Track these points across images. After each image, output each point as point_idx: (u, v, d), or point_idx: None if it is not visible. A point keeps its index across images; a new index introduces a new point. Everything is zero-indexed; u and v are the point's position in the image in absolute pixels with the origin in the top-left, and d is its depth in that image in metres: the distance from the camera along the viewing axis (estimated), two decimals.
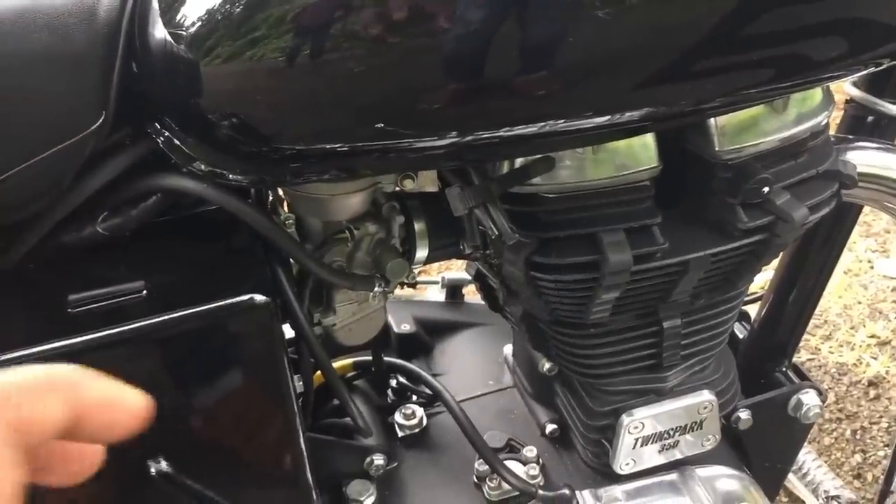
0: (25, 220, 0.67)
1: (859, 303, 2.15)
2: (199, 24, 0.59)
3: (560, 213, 0.73)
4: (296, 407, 0.72)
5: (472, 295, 1.26)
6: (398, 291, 1.01)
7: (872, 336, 2.05)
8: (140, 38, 0.64)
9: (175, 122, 0.65)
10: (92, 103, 0.64)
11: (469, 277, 1.24)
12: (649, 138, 0.72)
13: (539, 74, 0.58)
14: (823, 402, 1.05)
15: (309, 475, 0.77)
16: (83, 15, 0.62)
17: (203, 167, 0.66)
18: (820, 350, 2.02)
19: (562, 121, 0.61)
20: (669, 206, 0.75)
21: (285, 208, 0.81)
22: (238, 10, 0.57)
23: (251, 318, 0.67)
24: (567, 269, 0.73)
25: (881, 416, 1.86)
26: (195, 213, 0.75)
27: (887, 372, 1.96)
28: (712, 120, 0.72)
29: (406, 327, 1.13)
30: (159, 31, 0.62)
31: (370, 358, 1.04)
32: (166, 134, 0.66)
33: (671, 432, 0.91)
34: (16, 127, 0.63)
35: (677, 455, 0.93)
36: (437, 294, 1.25)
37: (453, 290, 1.23)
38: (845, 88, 0.95)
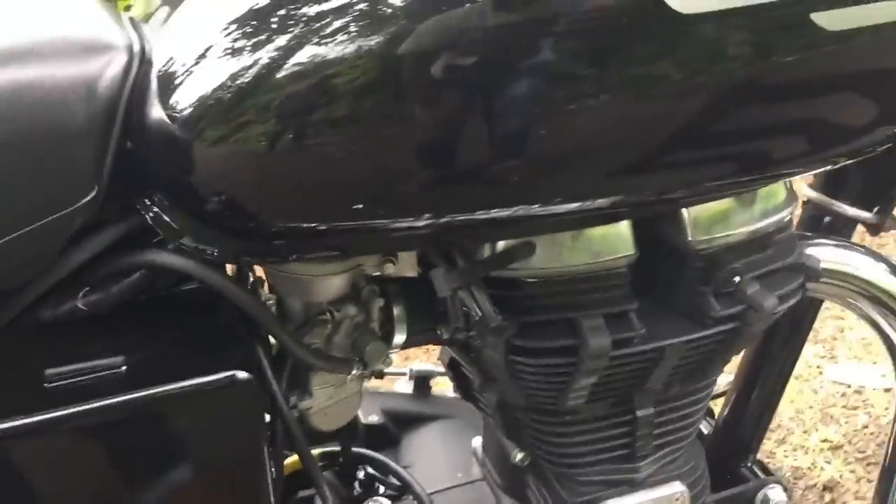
0: (7, 292, 0.66)
1: (811, 407, 2.18)
2: (193, 106, 0.61)
3: (540, 298, 0.75)
4: (271, 491, 0.70)
5: (439, 387, 1.26)
6: (364, 383, 1.01)
7: (825, 440, 2.07)
8: (137, 116, 0.65)
9: (166, 198, 0.66)
10: (85, 177, 0.64)
11: (436, 370, 1.25)
12: (625, 227, 0.75)
13: (510, 162, 0.62)
14: (789, 497, 1.06)
15: None
16: (84, 90, 0.64)
17: (190, 243, 0.67)
18: (775, 454, 2.03)
19: (535, 205, 0.65)
20: (645, 295, 0.78)
21: (266, 289, 0.82)
22: (228, 95, 0.60)
23: (233, 396, 0.66)
24: (547, 352, 0.74)
25: None
26: (176, 292, 0.75)
27: (841, 476, 1.97)
28: (685, 212, 0.76)
29: (374, 418, 1.12)
30: (156, 111, 0.64)
31: (337, 448, 1.02)
32: (156, 210, 0.67)
33: None
34: (7, 198, 0.63)
35: None
36: (404, 386, 1.25)
37: (421, 382, 1.23)
38: (803, 191, 1.00)
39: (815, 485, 1.96)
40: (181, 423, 0.66)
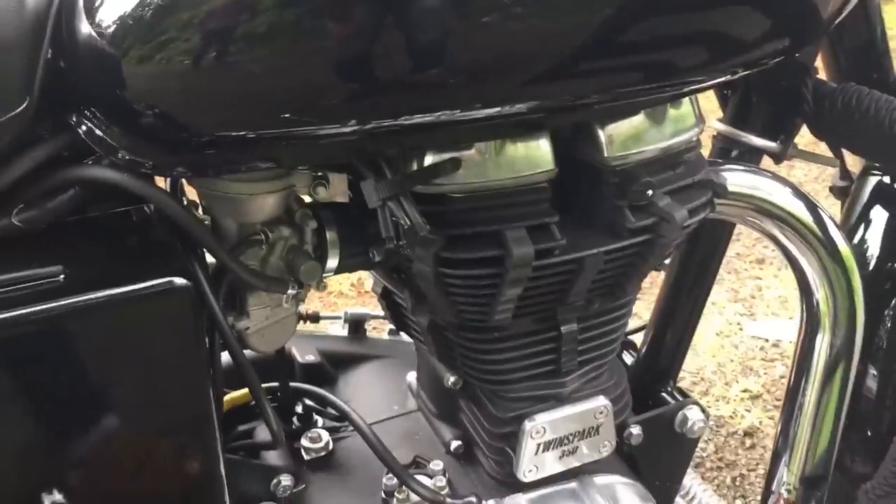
0: None
1: (732, 361, 2.28)
2: (117, 24, 0.63)
3: (466, 213, 0.78)
4: (213, 398, 0.72)
5: (373, 331, 1.29)
6: (300, 327, 1.03)
7: (745, 391, 2.17)
8: (67, 31, 0.67)
9: (99, 112, 0.67)
10: (16, 88, 0.65)
11: (371, 313, 1.28)
12: (545, 143, 0.79)
13: (429, 69, 0.65)
14: (707, 417, 1.12)
15: (224, 484, 0.77)
16: (11, 3, 0.65)
17: (126, 156, 0.68)
18: None
19: (456, 111, 0.68)
20: (565, 210, 0.82)
21: (200, 211, 0.83)
22: (150, 13, 0.62)
23: (171, 302, 0.68)
24: (474, 263, 0.78)
25: (758, 464, 1.96)
26: (110, 213, 0.76)
27: (760, 423, 2.07)
28: (600, 131, 0.80)
29: (310, 358, 1.14)
30: (84, 27, 0.65)
31: (275, 384, 1.04)
32: (89, 124, 0.68)
33: (570, 437, 0.95)
34: None
35: (576, 462, 0.97)
36: (339, 330, 1.27)
37: (356, 326, 1.26)
38: (712, 124, 1.06)
39: (736, 431, 2.05)
40: (121, 331, 0.68)
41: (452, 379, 0.97)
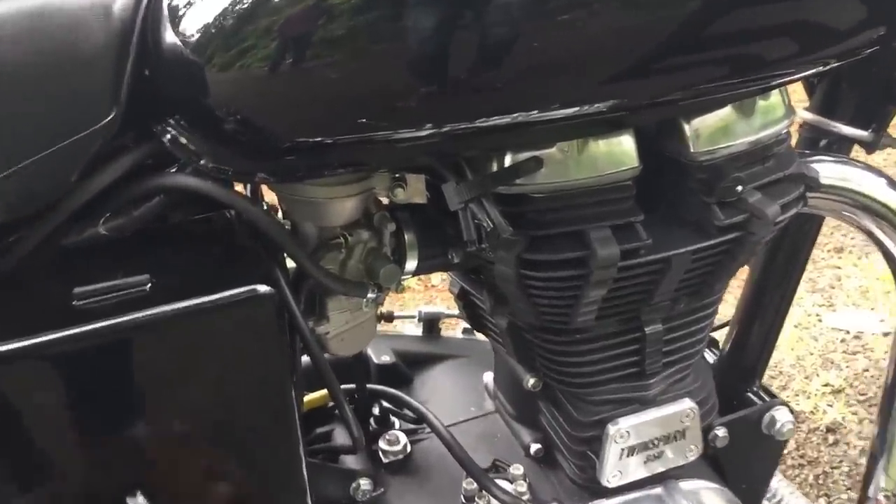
0: (29, 219, 0.68)
1: (811, 354, 2.21)
2: (200, 32, 0.63)
3: (548, 213, 0.76)
4: (296, 405, 0.72)
5: (448, 329, 1.28)
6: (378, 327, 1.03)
7: (826, 385, 2.11)
8: (152, 40, 0.67)
9: (182, 120, 0.68)
10: (102, 100, 0.66)
11: (445, 311, 1.27)
12: (628, 140, 0.76)
13: (505, 69, 0.64)
14: (795, 418, 1.08)
15: (307, 489, 0.77)
16: (99, 14, 0.65)
17: (208, 163, 0.68)
18: None
19: (534, 112, 0.67)
20: (651, 209, 0.80)
21: (280, 216, 0.83)
22: (230, 22, 0.62)
23: (255, 310, 0.68)
24: (557, 265, 0.76)
25: (841, 461, 1.90)
26: (194, 220, 0.76)
27: (843, 418, 2.00)
28: (686, 125, 0.78)
29: (386, 358, 1.14)
30: (169, 36, 0.65)
31: (352, 386, 1.04)
32: (173, 132, 0.68)
33: (655, 442, 0.92)
34: (26, 122, 0.65)
35: (661, 467, 0.95)
36: (414, 330, 1.26)
37: (430, 325, 1.25)
38: (799, 113, 1.02)
39: (818, 427, 1.99)
40: (207, 339, 0.68)
41: (532, 381, 0.95)
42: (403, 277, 0.85)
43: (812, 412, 2.03)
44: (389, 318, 1.21)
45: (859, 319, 2.31)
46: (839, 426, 1.98)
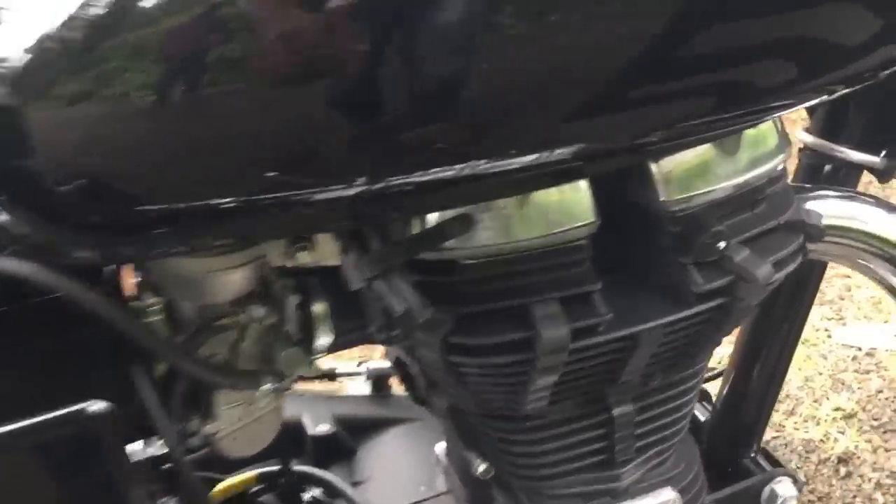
0: None
1: (820, 374, 2.07)
2: (21, 56, 0.45)
3: (482, 283, 0.62)
4: None
5: (400, 386, 1.13)
6: (317, 386, 0.88)
7: (837, 409, 1.97)
8: None
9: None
10: None
11: None
12: (584, 189, 0.61)
13: (455, 109, 0.48)
14: (799, 490, 0.93)
15: None
16: None
17: (35, 244, 0.52)
18: (784, 426, 1.92)
19: (483, 161, 0.50)
20: (612, 271, 0.64)
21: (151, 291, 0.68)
22: (78, 36, 0.44)
23: (87, 430, 0.52)
24: (493, 350, 0.62)
25: (855, 496, 1.76)
26: (28, 304, 0.61)
27: (857, 447, 1.86)
28: (655, 167, 0.63)
29: (324, 428, 0.99)
30: None
31: (276, 468, 0.89)
32: None
33: None
34: None
35: None
36: (361, 388, 1.11)
37: (378, 382, 1.10)
38: (798, 135, 0.87)
39: (828, 458, 1.85)
40: (23, 469, 0.53)
41: (482, 468, 0.80)
42: (314, 357, 0.69)
43: (822, 440, 1.89)
44: (332, 376, 1.06)
45: (871, 334, 2.17)
46: (852, 456, 1.84)
